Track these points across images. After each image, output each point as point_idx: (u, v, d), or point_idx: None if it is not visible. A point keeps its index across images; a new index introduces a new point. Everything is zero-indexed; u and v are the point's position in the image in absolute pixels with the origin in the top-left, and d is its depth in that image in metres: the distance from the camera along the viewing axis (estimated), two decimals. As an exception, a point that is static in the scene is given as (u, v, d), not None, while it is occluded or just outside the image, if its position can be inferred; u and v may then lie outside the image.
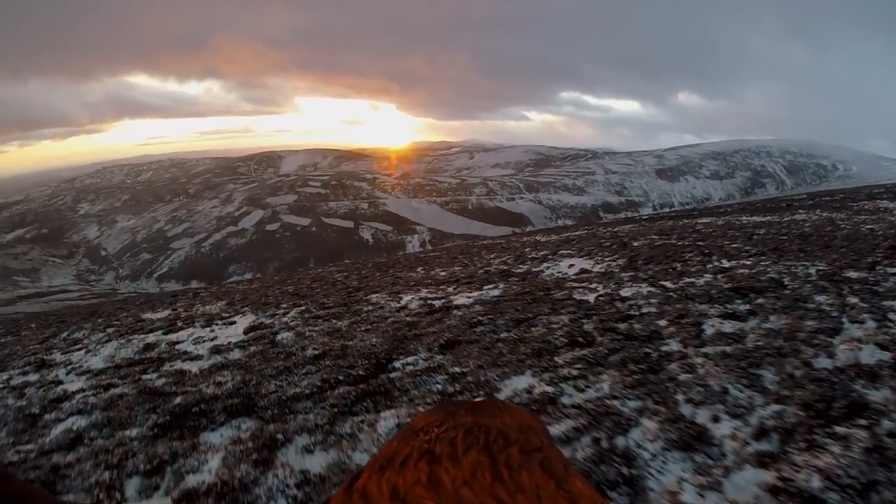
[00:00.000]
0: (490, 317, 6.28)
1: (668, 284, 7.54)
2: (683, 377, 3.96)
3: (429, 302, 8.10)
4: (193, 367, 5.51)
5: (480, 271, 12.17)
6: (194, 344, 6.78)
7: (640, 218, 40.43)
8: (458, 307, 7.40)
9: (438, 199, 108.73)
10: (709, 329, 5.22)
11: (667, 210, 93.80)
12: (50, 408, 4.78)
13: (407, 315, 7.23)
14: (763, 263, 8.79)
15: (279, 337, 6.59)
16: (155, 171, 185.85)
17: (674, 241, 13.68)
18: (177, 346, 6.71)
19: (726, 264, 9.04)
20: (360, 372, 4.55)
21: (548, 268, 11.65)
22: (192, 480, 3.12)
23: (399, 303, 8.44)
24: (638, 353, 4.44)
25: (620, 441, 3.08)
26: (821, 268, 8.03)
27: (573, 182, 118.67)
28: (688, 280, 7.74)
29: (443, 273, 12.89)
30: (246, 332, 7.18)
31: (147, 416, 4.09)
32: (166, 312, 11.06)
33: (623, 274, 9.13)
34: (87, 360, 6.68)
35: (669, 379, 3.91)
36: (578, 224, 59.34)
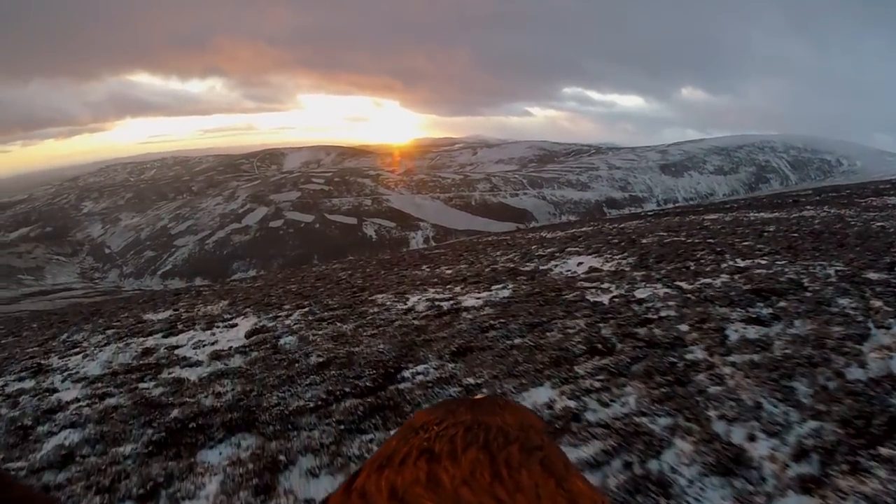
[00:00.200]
0: (502, 320, 6.01)
1: (685, 285, 7.27)
2: (713, 390, 3.70)
3: (436, 303, 7.85)
4: (192, 374, 5.27)
5: (487, 269, 11.92)
6: (194, 349, 6.55)
7: (646, 214, 40.07)
8: (467, 309, 7.15)
9: (442, 196, 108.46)
10: (733, 335, 4.95)
11: (671, 206, 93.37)
12: (43, 419, 4.56)
13: (414, 318, 6.98)
14: (779, 263, 8.51)
15: (282, 342, 6.35)
16: (158, 169, 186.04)
17: (683, 239, 13.40)
18: (176, 351, 6.48)
19: (741, 264, 8.76)
20: (368, 383, 4.29)
21: (556, 266, 11.40)
22: (187, 508, 2.90)
23: (406, 304, 8.19)
24: (662, 362, 4.18)
25: (654, 465, 2.83)
26: (839, 268, 7.76)
27: (577, 178, 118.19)
28: (704, 281, 7.47)
29: (449, 271, 12.64)
30: (247, 335, 6.94)
31: (142, 430, 3.85)
32: (167, 313, 10.85)
33: (635, 273, 8.87)
34: (84, 365, 6.46)
35: (699, 392, 3.66)
36: (583, 220, 58.91)
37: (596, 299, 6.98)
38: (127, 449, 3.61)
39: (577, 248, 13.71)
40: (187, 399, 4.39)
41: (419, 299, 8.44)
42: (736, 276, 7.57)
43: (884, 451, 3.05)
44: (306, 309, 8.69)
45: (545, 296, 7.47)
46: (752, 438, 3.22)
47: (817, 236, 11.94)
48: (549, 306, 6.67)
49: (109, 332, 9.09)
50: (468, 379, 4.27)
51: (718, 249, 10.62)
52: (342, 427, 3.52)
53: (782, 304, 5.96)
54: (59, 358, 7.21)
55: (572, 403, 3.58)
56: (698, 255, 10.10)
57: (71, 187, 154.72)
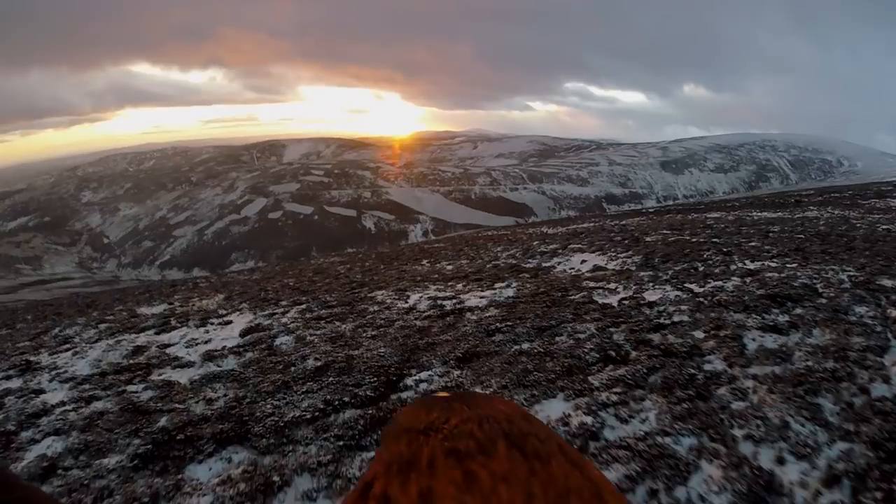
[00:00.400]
0: (508, 323, 5.77)
1: (695, 288, 7.05)
2: (736, 406, 3.47)
3: (439, 302, 7.62)
4: (183, 377, 5.03)
5: (489, 266, 11.70)
6: (186, 347, 6.31)
7: (647, 211, 39.84)
8: (471, 309, 6.92)
9: (441, 189, 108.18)
10: (750, 343, 4.73)
11: (671, 203, 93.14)
12: (27, 424, 4.32)
13: (416, 318, 6.74)
14: (790, 266, 8.28)
15: (277, 342, 6.11)
16: (158, 159, 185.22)
17: (687, 238, 13.18)
18: (168, 350, 6.24)
19: (751, 266, 8.54)
20: (368, 392, 4.05)
21: (559, 263, 11.19)
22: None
23: (407, 302, 7.96)
24: (681, 373, 3.94)
25: (681, 493, 2.60)
26: (851, 273, 7.52)
27: (577, 173, 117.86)
28: (715, 283, 7.24)
29: (449, 267, 12.43)
30: (242, 334, 6.70)
31: (128, 440, 3.61)
32: (162, 307, 10.62)
33: (642, 273, 8.64)
34: (73, 363, 6.23)
35: (721, 408, 3.43)
36: (584, 216, 58.65)
37: (604, 301, 6.75)
38: (111, 461, 3.38)
39: (579, 245, 13.48)
40: (177, 405, 4.15)
41: (420, 297, 8.21)
42: (748, 280, 7.34)
43: (919, 478, 2.84)
44: (304, 306, 8.46)
45: (551, 296, 7.24)
46: (780, 461, 3.00)
47: (824, 238, 11.72)
48: (557, 308, 6.43)
49: (102, 326, 8.86)
50: (476, 388, 4.04)
51: (725, 250, 10.39)
52: (341, 443, 3.27)
53: (798, 311, 5.74)
54: (49, 354, 6.98)
55: (589, 419, 3.34)
56: (705, 256, 9.88)
57: (70, 177, 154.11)
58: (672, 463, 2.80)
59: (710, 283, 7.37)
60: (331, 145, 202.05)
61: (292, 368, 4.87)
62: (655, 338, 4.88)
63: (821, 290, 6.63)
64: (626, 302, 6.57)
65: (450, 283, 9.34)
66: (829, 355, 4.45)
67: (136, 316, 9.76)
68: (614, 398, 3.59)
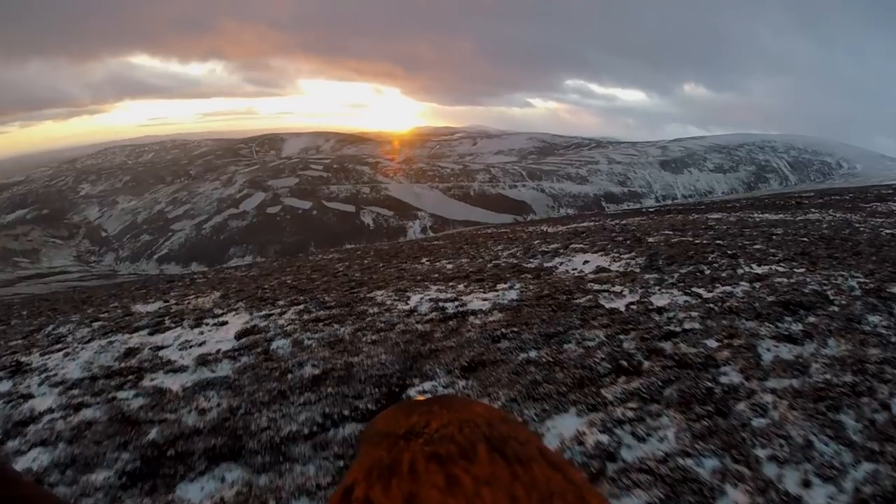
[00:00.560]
0: (514, 329, 5.59)
1: (704, 293, 6.88)
2: (757, 423, 3.30)
3: (440, 304, 7.43)
4: (175, 383, 4.83)
5: (490, 265, 11.53)
6: (180, 350, 6.11)
7: (647, 210, 39.67)
8: (474, 313, 6.73)
9: (440, 185, 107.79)
10: (766, 354, 4.56)
11: (670, 202, 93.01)
12: (13, 433, 4.14)
13: (418, 322, 6.55)
14: (798, 272, 8.11)
15: (274, 346, 5.91)
16: (156, 152, 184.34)
17: (690, 239, 13.01)
18: (160, 353, 6.05)
19: (759, 270, 8.36)
20: (370, 405, 3.86)
21: (561, 264, 11.01)
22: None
23: (407, 304, 7.77)
24: (697, 386, 3.77)
25: (707, 524, 2.44)
26: (861, 280, 7.36)
27: (576, 171, 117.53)
28: (724, 289, 7.07)
29: (450, 266, 12.25)
30: (238, 336, 6.50)
31: (116, 454, 3.43)
32: (157, 305, 10.43)
33: (647, 276, 8.47)
34: (64, 365, 6.04)
35: (742, 425, 3.26)
36: (583, 214, 58.41)
37: (611, 305, 6.57)
38: (99, 477, 3.20)
39: (581, 245, 13.31)
40: (168, 415, 3.96)
41: (421, 298, 8.03)
42: (757, 285, 7.18)
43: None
44: (301, 306, 8.26)
45: (556, 299, 7.07)
46: (807, 484, 2.84)
47: (829, 242, 11.55)
48: (563, 312, 6.25)
49: (96, 325, 8.67)
50: (483, 401, 3.87)
51: (730, 252, 10.23)
52: (341, 463, 3.09)
53: (811, 319, 5.57)
54: (41, 355, 6.79)
55: (605, 438, 3.17)
56: (710, 258, 9.71)
57: (68, 169, 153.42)
58: (696, 488, 2.63)
59: (718, 287, 7.21)
60: (330, 139, 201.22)
61: (289, 376, 4.69)
62: (667, 347, 4.71)
63: (832, 298, 6.46)
64: (633, 307, 6.40)
65: (451, 284, 9.16)
66: (847, 368, 4.29)
67: (130, 314, 9.57)
68: (630, 414, 3.41)
